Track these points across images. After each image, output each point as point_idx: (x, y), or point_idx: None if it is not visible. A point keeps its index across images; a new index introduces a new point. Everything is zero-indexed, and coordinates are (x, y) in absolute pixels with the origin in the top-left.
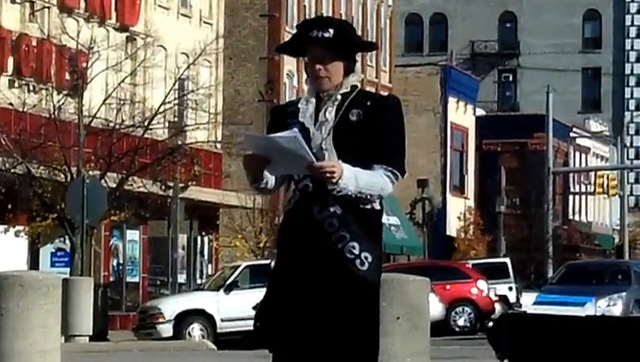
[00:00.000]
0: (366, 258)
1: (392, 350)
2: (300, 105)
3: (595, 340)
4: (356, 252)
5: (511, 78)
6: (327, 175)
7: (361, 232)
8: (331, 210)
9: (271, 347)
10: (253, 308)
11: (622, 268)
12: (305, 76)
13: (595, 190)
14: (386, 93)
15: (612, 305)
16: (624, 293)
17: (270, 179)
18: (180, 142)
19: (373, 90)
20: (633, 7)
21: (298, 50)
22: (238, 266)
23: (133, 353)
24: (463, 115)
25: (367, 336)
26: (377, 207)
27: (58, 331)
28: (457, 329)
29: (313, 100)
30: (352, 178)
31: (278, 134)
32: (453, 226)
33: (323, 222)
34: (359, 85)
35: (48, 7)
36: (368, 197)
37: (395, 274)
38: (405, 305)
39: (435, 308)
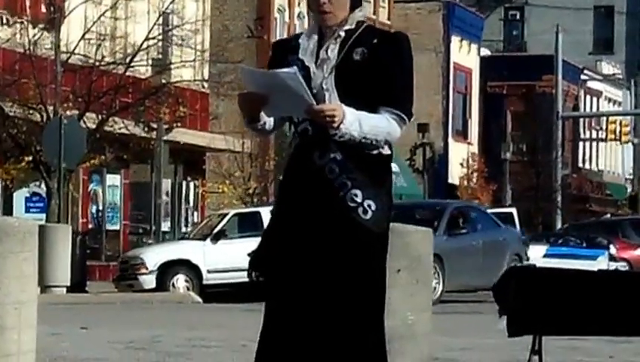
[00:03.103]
0: (369, 206)
1: (392, 304)
2: (301, 41)
3: (607, 295)
4: (358, 200)
5: (518, 16)
6: (328, 119)
7: (365, 179)
8: (332, 155)
9: (266, 297)
10: (249, 254)
11: (434, 210)
12: (297, 11)
13: (606, 136)
14: (393, 30)
15: None
16: None
17: (268, 120)
18: (164, 81)
19: None
20: None
21: None
22: (226, 214)
23: (113, 305)
24: (466, 55)
25: (370, 289)
26: (386, 151)
27: (35, 281)
28: None
29: (315, 36)
30: (355, 122)
31: (278, 70)
32: (455, 173)
33: (324, 167)
34: (365, 21)
35: None
36: (374, 142)
37: (395, 224)
38: (406, 258)
39: None
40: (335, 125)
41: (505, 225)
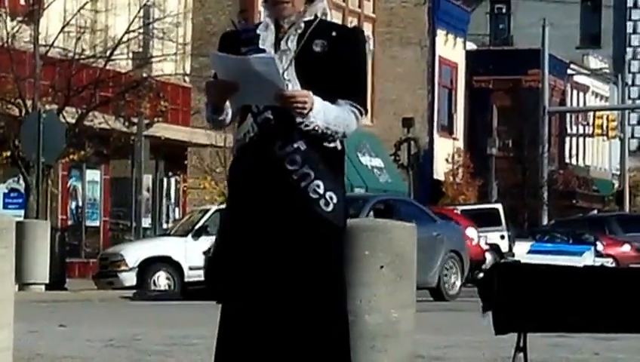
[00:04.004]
0: (331, 198)
1: (376, 301)
2: (259, 32)
3: (593, 291)
4: (321, 191)
5: (504, 10)
6: (299, 105)
7: (327, 170)
8: (295, 145)
9: (221, 298)
10: (204, 253)
11: (357, 203)
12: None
13: (593, 131)
14: (351, 25)
15: None
16: None
17: (229, 112)
18: (145, 75)
19: (355, 20)
20: None
21: None
22: (208, 210)
23: (93, 303)
24: (452, 48)
25: (332, 283)
26: (339, 147)
27: (12, 278)
28: None
29: (272, 27)
30: (321, 112)
31: (253, 55)
32: (440, 169)
33: (284, 158)
34: (326, 13)
35: None
36: (334, 134)
37: (378, 219)
38: (390, 254)
39: None
40: (305, 112)
41: (447, 220)
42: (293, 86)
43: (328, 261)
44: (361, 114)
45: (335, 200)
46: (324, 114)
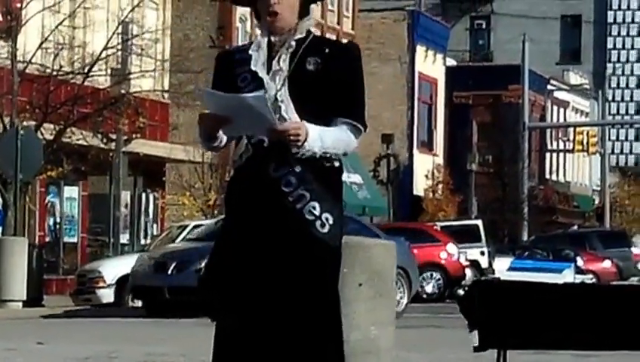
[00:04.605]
0: (327, 219)
1: (355, 319)
2: (251, 52)
3: (573, 308)
4: (317, 213)
5: (484, 26)
6: (292, 138)
7: (323, 191)
8: (290, 167)
9: (215, 316)
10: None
11: None
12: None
13: (574, 147)
14: (344, 40)
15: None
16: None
17: (223, 138)
18: (123, 91)
19: (334, 37)
20: None
21: None
22: (186, 226)
23: (70, 320)
24: (431, 64)
25: (325, 305)
26: (337, 164)
27: None
28: (425, 296)
29: (264, 47)
30: (317, 139)
31: (245, 95)
32: (420, 185)
33: (279, 180)
34: (313, 30)
35: None
36: (333, 155)
37: (357, 237)
38: (368, 271)
39: None
40: (299, 144)
41: (396, 236)
42: (286, 105)
43: (324, 282)
44: (360, 131)
45: (331, 221)
46: (321, 140)
